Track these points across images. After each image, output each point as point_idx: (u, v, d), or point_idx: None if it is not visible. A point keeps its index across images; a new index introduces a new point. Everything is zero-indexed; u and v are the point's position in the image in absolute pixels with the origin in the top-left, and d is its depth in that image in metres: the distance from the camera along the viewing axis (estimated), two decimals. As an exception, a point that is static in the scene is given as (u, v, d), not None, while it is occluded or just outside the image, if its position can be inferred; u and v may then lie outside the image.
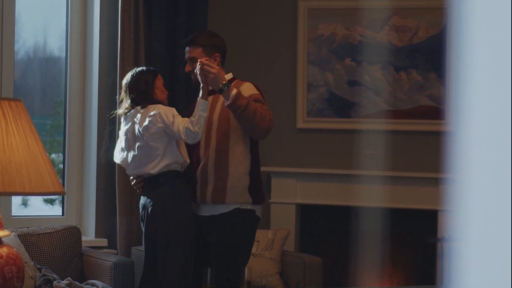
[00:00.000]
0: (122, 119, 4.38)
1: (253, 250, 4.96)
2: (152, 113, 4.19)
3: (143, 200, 4.33)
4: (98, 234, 5.44)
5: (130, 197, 5.28)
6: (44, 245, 4.83)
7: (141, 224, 4.37)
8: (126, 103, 4.30)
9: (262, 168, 4.65)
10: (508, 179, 0.86)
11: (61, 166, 5.53)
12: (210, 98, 4.29)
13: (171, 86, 5.08)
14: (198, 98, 4.14)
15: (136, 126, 4.25)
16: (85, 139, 5.49)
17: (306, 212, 5.85)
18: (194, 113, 4.11)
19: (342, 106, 5.77)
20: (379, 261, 5.40)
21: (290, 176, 5.81)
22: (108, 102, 5.41)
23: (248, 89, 4.28)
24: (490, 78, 0.89)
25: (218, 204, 4.29)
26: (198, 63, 4.13)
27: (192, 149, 4.35)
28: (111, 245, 5.42)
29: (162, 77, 4.38)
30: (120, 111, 4.35)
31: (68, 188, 5.42)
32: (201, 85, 4.14)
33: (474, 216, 0.89)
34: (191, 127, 4.06)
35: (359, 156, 5.53)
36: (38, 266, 4.69)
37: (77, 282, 4.63)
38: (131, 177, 4.37)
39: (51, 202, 5.62)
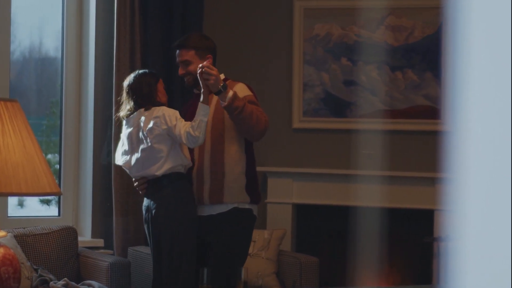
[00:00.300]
0: (124, 122, 4.35)
1: (250, 250, 4.96)
2: (156, 115, 4.19)
3: (146, 202, 4.33)
4: (94, 234, 5.43)
5: (126, 198, 5.28)
6: (41, 245, 4.82)
7: (145, 226, 4.37)
8: (128, 105, 4.28)
9: (258, 168, 4.65)
10: (506, 178, 0.86)
11: (57, 166, 5.53)
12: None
13: (167, 87, 5.08)
14: (199, 102, 4.13)
15: (140, 129, 4.23)
16: (81, 140, 5.48)
17: (302, 212, 5.85)
18: (195, 118, 4.11)
19: (338, 106, 5.77)
20: (375, 260, 5.41)
21: (286, 176, 5.81)
22: (104, 102, 5.41)
23: (241, 90, 4.28)
24: (486, 77, 0.89)
25: (216, 204, 4.29)
26: (199, 68, 4.12)
27: (188, 150, 4.35)
28: (108, 245, 5.41)
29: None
30: (122, 113, 4.32)
31: (64, 188, 5.42)
32: (202, 89, 4.13)
33: (471, 215, 0.89)
34: (191, 132, 4.07)
35: (355, 156, 5.53)
36: (35, 267, 4.68)
37: (73, 283, 4.63)
38: (134, 179, 4.37)
39: (47, 202, 5.61)
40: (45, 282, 4.59)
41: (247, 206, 4.31)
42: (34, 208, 5.62)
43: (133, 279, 4.97)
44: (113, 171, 5.26)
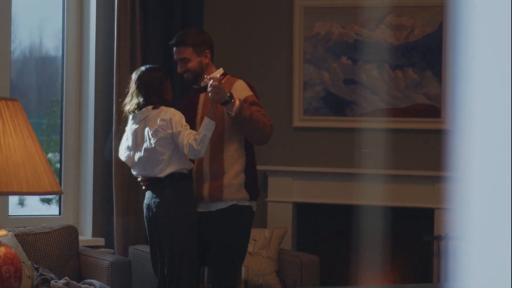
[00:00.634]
0: (130, 117, 4.32)
1: (250, 249, 4.97)
2: (164, 118, 4.17)
3: (147, 200, 4.33)
4: (95, 233, 5.44)
5: (127, 196, 5.28)
6: (41, 244, 4.83)
7: (146, 224, 4.37)
8: (137, 99, 4.24)
9: (259, 167, 4.65)
10: (507, 177, 0.86)
11: (57, 165, 5.53)
12: (203, 95, 4.31)
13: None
14: (205, 116, 4.12)
15: (146, 128, 4.22)
16: (82, 138, 5.48)
17: (303, 211, 5.85)
18: (199, 130, 4.11)
19: (339, 105, 5.77)
20: (376, 259, 5.41)
21: (286, 174, 5.81)
22: (104, 101, 5.41)
23: (241, 88, 4.28)
24: (487, 75, 0.89)
25: (216, 202, 4.30)
26: (209, 85, 4.08)
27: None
28: (108, 244, 5.41)
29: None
30: (129, 107, 4.27)
31: (65, 187, 5.42)
32: (210, 104, 4.12)
33: (473, 213, 0.90)
34: (194, 145, 4.06)
35: (356, 155, 5.53)
36: (36, 266, 4.69)
37: (74, 282, 4.63)
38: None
39: (48, 201, 5.61)
40: (46, 281, 4.60)
41: (246, 203, 4.32)
42: (35, 207, 5.62)
43: (133, 278, 4.97)
44: (114, 170, 5.26)
